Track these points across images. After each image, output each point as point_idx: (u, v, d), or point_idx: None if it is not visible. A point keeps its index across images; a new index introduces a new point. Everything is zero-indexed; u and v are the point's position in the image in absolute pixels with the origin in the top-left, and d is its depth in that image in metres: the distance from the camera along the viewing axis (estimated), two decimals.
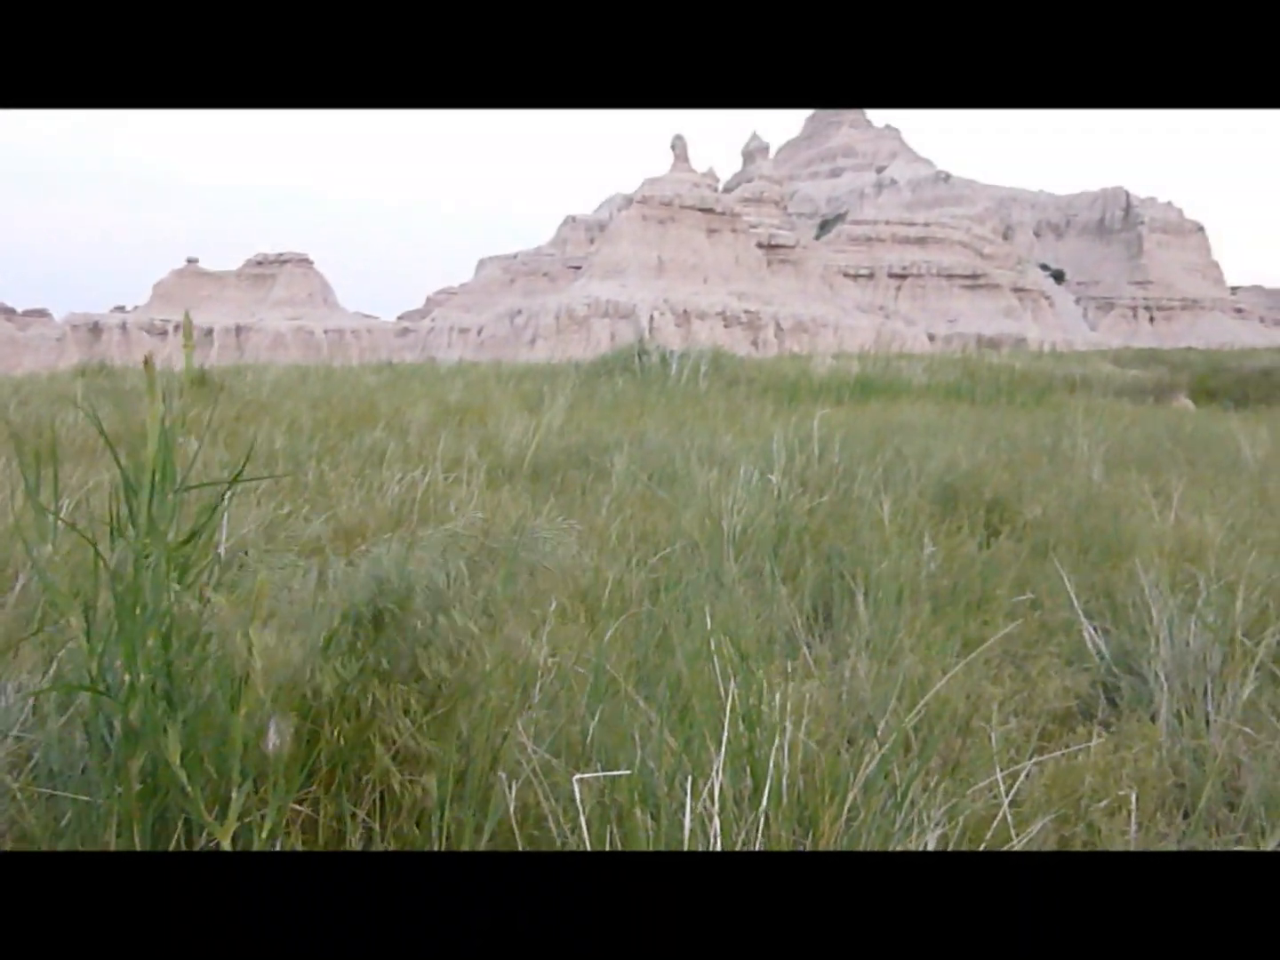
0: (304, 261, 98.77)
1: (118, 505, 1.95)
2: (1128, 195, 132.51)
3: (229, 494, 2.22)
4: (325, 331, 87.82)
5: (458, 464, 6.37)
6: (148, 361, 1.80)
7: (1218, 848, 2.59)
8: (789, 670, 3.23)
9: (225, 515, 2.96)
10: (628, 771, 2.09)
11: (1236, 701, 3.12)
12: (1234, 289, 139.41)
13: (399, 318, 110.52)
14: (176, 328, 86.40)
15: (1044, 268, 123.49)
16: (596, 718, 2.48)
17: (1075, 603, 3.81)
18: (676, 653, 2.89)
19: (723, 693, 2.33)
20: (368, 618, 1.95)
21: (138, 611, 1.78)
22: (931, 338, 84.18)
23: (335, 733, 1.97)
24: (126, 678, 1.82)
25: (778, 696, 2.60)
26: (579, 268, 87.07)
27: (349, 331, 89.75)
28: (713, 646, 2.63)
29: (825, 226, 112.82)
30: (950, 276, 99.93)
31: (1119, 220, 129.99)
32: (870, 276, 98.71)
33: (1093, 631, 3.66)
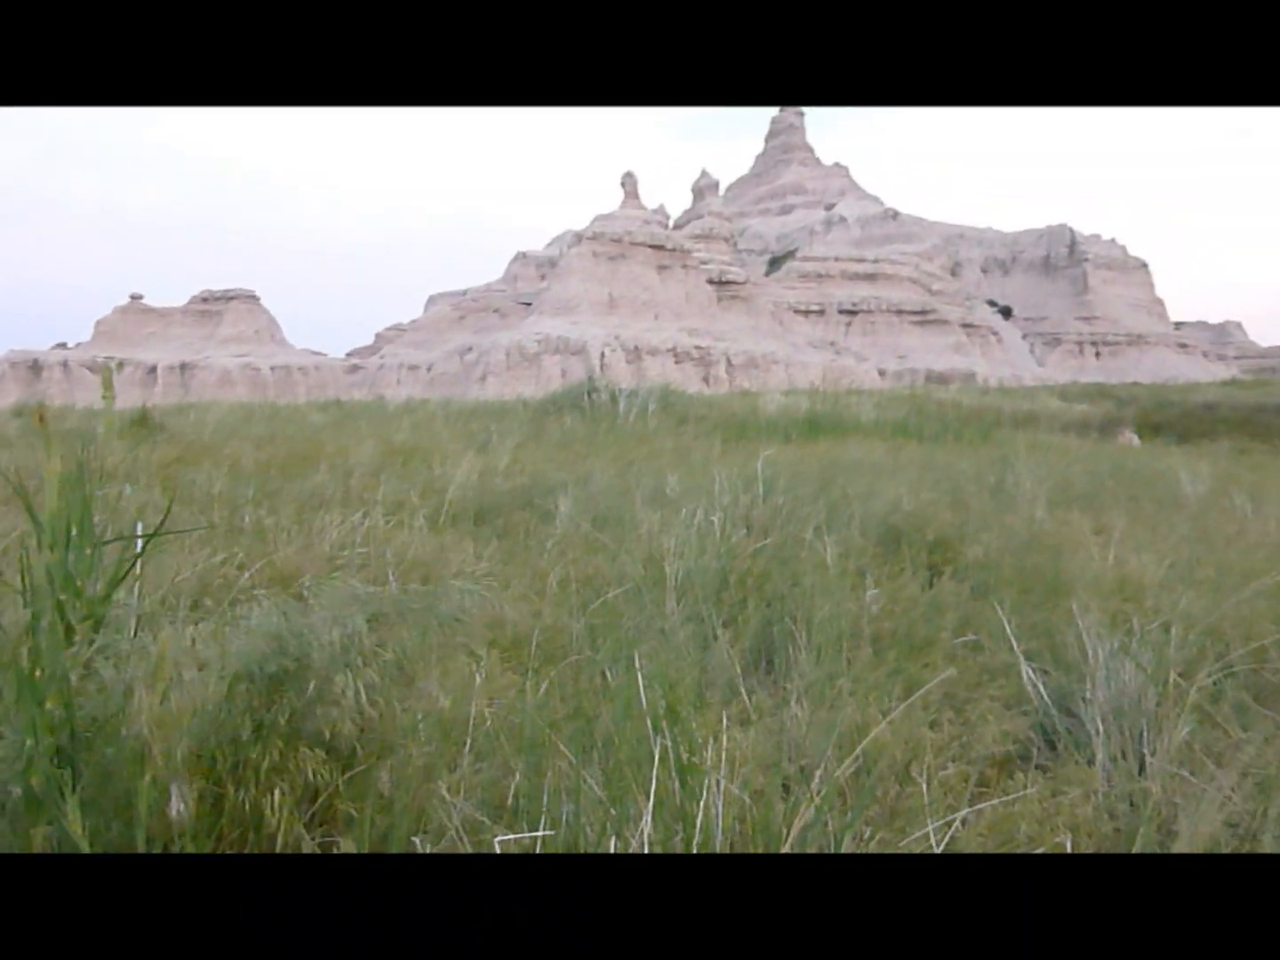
0: (251, 298, 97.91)
1: (26, 561, 1.89)
2: (1072, 232, 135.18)
3: (160, 543, 2.16)
4: (273, 369, 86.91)
5: (400, 507, 6.30)
6: (41, 416, 1.75)
7: None
8: (728, 718, 3.20)
9: (143, 567, 2.88)
10: (550, 832, 2.05)
11: (1172, 743, 3.13)
12: (1178, 324, 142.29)
13: (348, 355, 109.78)
14: (121, 365, 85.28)
15: (992, 304, 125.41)
16: (523, 774, 2.44)
17: (1015, 645, 3.82)
18: (613, 702, 2.85)
19: (653, 744, 2.30)
20: (264, 678, 1.90)
21: (38, 674, 1.72)
22: (882, 373, 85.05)
23: (240, 796, 1.91)
24: (28, 743, 1.75)
25: (710, 747, 2.58)
26: (530, 304, 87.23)
27: (297, 369, 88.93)
28: (644, 697, 2.59)
29: (775, 263, 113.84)
30: (900, 312, 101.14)
31: (1064, 257, 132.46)
32: (821, 313, 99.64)
33: (1032, 674, 3.67)
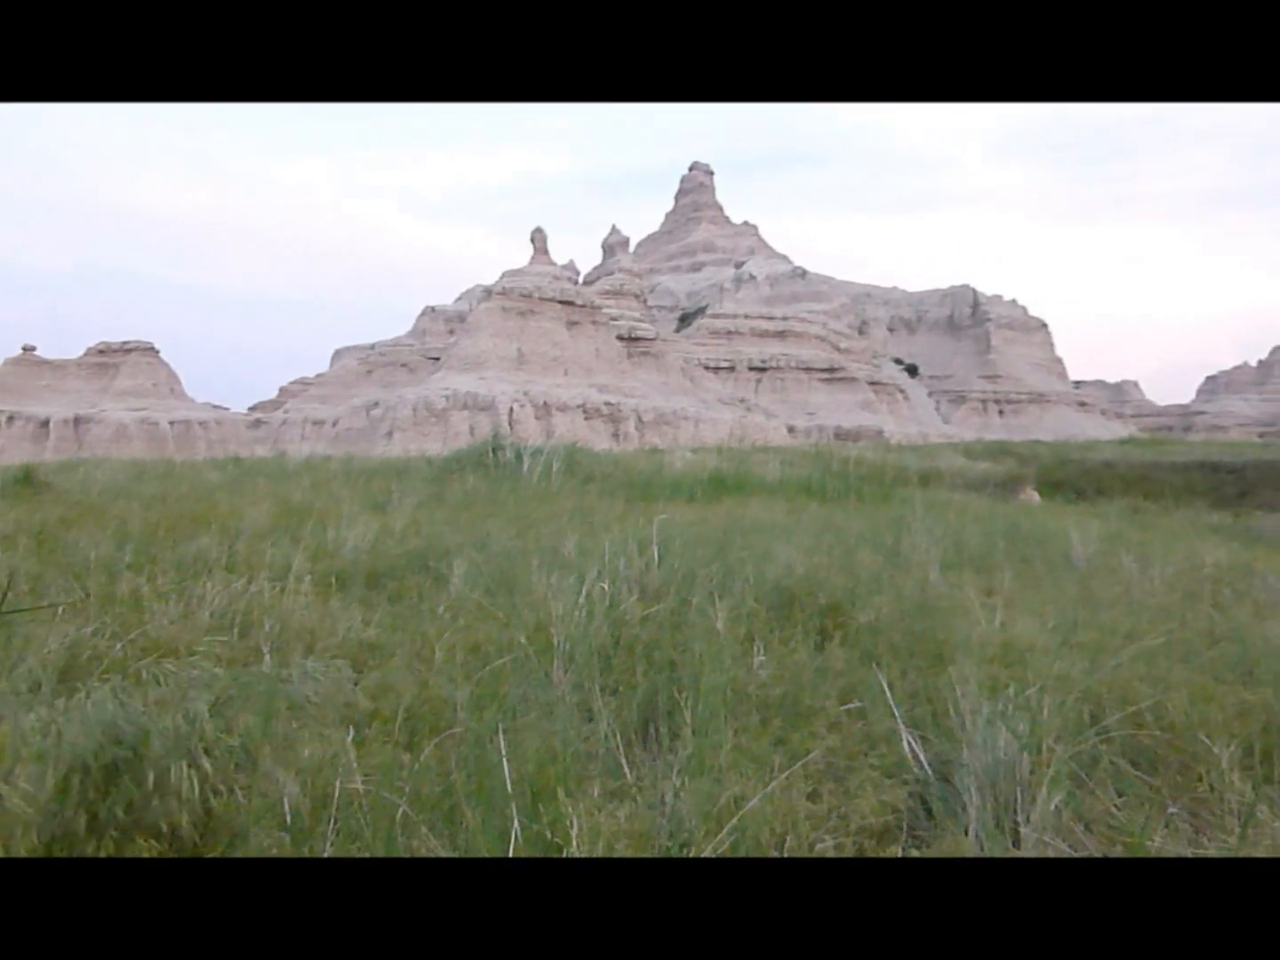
0: (150, 350, 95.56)
1: None
2: (975, 293, 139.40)
3: (30, 614, 2.07)
4: (172, 423, 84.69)
5: (289, 572, 6.16)
6: None
7: None
8: (607, 792, 3.17)
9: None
10: None
11: (1046, 811, 3.18)
12: (1077, 383, 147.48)
13: (251, 409, 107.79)
14: (11, 419, 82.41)
15: (898, 362, 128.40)
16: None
17: (897, 712, 3.86)
18: (478, 783, 2.80)
19: (513, 826, 2.26)
20: (99, 769, 1.82)
21: None
22: (792, 430, 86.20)
23: None
24: None
25: (581, 824, 2.54)
26: (438, 359, 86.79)
27: (197, 423, 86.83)
28: (508, 776, 2.55)
29: (686, 320, 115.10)
30: (809, 370, 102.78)
31: (967, 317, 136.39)
32: (731, 369, 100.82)
33: (913, 741, 3.70)
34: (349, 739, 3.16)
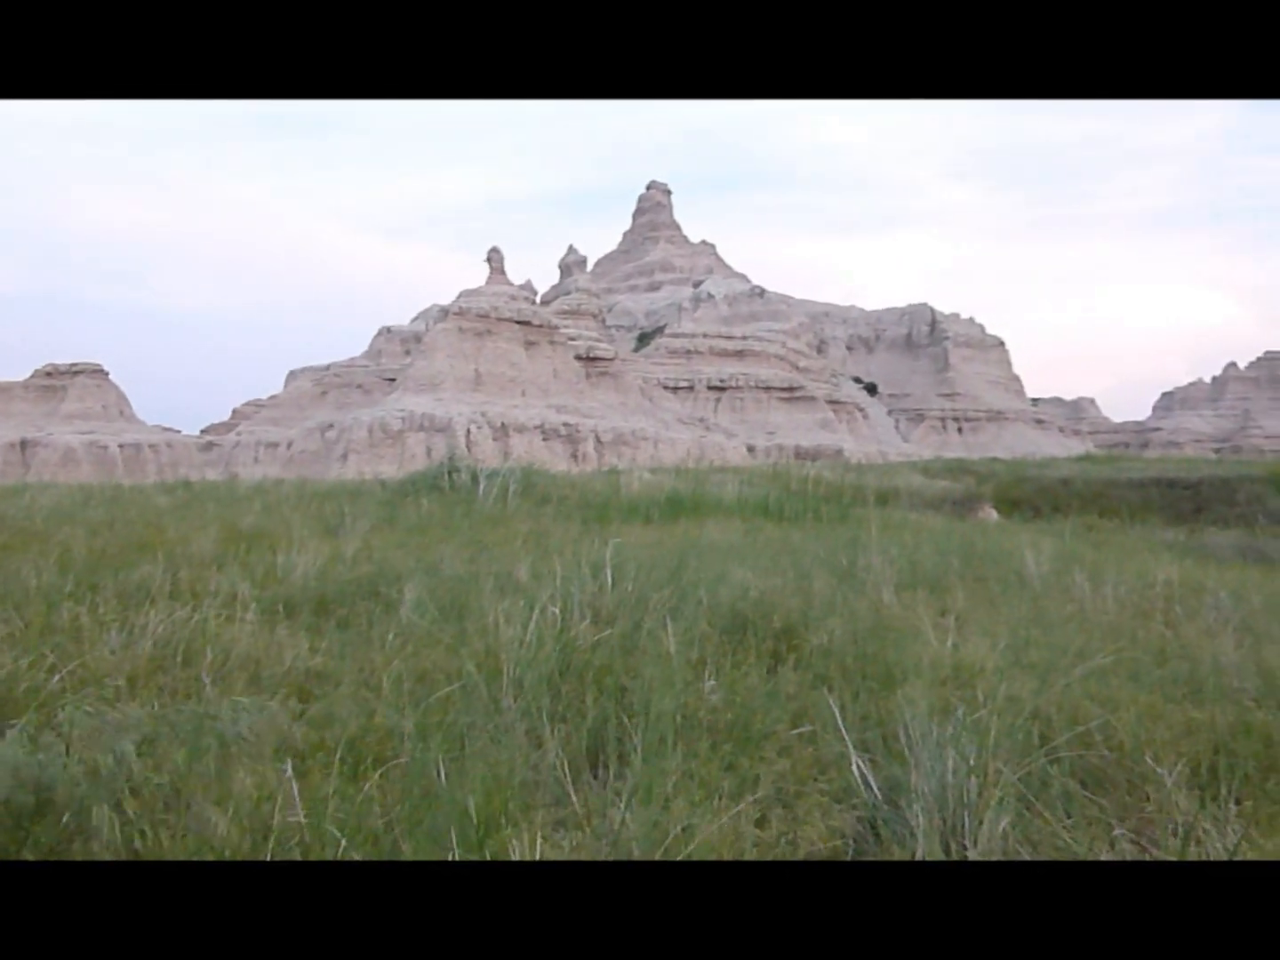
0: (98, 372, 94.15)
1: None
2: (933, 311, 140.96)
3: None
4: (121, 446, 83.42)
5: (235, 599, 6.06)
6: None
7: None
8: (555, 822, 3.13)
9: None
10: None
11: (993, 834, 3.18)
12: (1034, 401, 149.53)
13: (202, 431, 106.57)
14: None
15: (857, 381, 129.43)
16: None
17: (846, 736, 3.85)
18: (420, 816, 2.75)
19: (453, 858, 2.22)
20: (6, 813, 1.76)
21: None
22: (751, 449, 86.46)
23: None
24: None
25: (517, 857, 2.50)
26: (394, 380, 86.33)
27: (148, 446, 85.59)
28: (449, 807, 2.50)
29: (644, 339, 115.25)
30: (768, 389, 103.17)
31: (925, 335, 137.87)
32: (690, 389, 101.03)
33: (863, 765, 3.69)
34: (288, 771, 3.10)
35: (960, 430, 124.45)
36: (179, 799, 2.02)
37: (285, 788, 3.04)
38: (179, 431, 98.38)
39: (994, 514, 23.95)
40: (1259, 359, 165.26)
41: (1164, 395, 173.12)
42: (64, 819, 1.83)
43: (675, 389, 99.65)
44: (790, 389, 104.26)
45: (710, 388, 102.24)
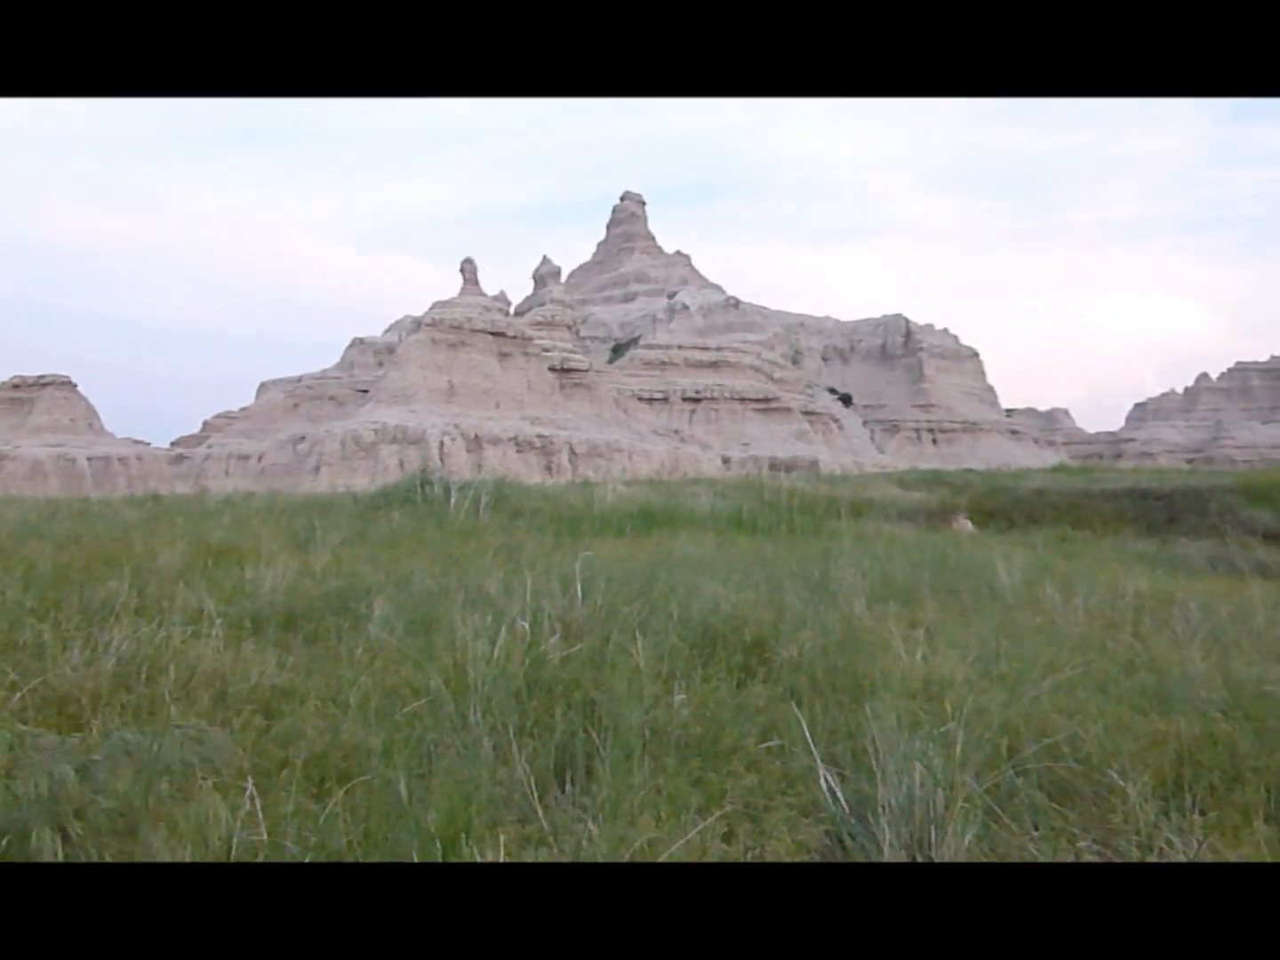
0: (66, 384, 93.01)
1: None
2: (907, 322, 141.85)
3: None
4: (90, 459, 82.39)
5: (202, 615, 6.00)
6: None
7: None
8: (521, 838, 3.11)
9: None
10: None
11: (959, 847, 3.18)
12: (1009, 411, 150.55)
13: (173, 444, 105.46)
14: None
15: (832, 391, 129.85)
16: None
17: (815, 750, 3.84)
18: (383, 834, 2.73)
19: None
20: None
21: None
22: (726, 461, 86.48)
23: None
24: None
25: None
26: (366, 392, 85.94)
27: (117, 459, 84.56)
28: (412, 826, 2.48)
29: (618, 350, 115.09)
30: (743, 400, 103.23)
31: (900, 346, 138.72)
32: (664, 400, 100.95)
33: (831, 779, 3.69)
34: (248, 790, 3.07)
35: (935, 441, 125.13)
36: (124, 822, 1.99)
37: (246, 806, 3.02)
38: (149, 444, 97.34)
39: (969, 525, 24.07)
40: (1230, 370, 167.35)
41: (1137, 406, 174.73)
42: (3, 842, 1.80)
43: (650, 400, 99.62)
44: (765, 400, 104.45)
45: (685, 399, 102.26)
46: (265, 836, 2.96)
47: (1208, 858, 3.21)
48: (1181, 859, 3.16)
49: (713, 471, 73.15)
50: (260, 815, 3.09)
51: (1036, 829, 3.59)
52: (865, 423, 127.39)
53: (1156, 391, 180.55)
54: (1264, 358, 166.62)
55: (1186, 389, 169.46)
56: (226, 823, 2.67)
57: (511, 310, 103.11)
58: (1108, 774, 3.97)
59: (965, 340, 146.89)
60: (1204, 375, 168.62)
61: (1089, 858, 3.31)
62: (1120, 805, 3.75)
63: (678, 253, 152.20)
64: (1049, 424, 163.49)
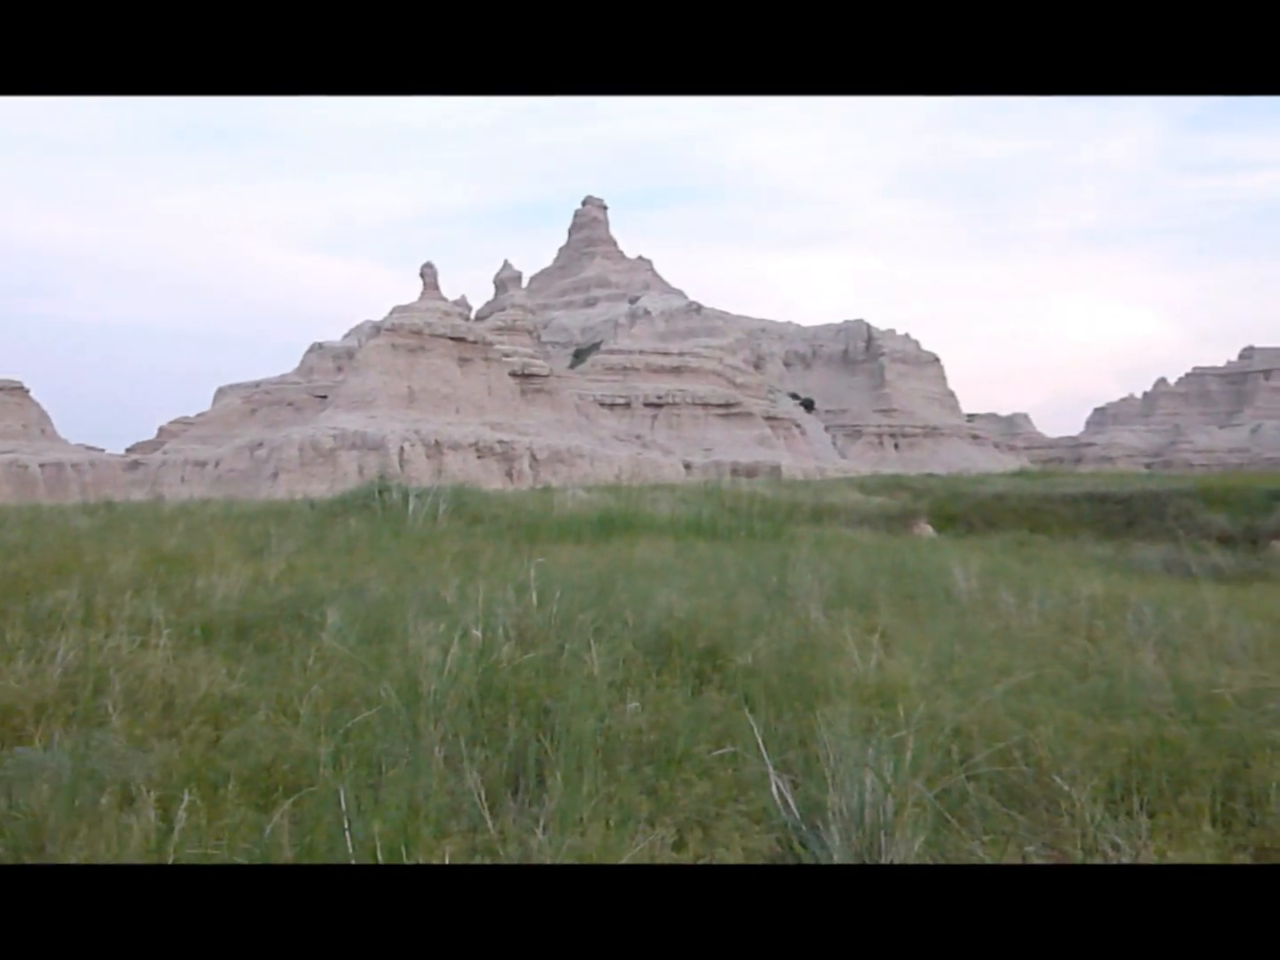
0: (18, 389, 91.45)
1: None
2: (869, 328, 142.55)
3: None
4: (42, 465, 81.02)
5: (150, 625, 5.91)
6: None
7: None
8: (469, 848, 3.08)
9: None
10: None
11: (910, 852, 3.19)
12: (970, 416, 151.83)
13: (128, 450, 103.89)
14: None
15: (794, 396, 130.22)
16: None
17: (767, 757, 3.84)
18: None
19: None
20: None
21: None
22: (688, 466, 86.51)
23: None
24: None
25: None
26: (325, 397, 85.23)
27: (70, 466, 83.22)
28: (349, 838, 2.45)
29: (580, 356, 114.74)
30: (705, 405, 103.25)
31: (862, 351, 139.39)
32: (626, 406, 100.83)
33: (782, 786, 3.69)
34: (184, 801, 3.02)
35: (897, 446, 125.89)
36: (40, 837, 1.95)
37: (183, 819, 2.97)
38: (103, 450, 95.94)
39: (930, 530, 24.25)
40: (1188, 375, 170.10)
41: (1096, 411, 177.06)
42: None
43: (611, 406, 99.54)
44: (727, 405, 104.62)
45: (647, 404, 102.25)
46: (203, 850, 2.91)
47: (1152, 860, 3.24)
48: (1126, 861, 3.18)
49: (674, 477, 73.25)
50: (204, 828, 3.04)
51: (986, 833, 3.61)
52: (827, 428, 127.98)
53: (1116, 396, 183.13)
54: (1221, 363, 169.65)
55: (1145, 394, 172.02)
56: (154, 837, 2.63)
57: (472, 315, 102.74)
58: (1057, 778, 4.00)
59: (926, 346, 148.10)
60: (1162, 380, 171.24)
61: (1035, 861, 3.33)
62: (1070, 809, 3.78)
63: (639, 258, 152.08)
64: (1010, 429, 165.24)
